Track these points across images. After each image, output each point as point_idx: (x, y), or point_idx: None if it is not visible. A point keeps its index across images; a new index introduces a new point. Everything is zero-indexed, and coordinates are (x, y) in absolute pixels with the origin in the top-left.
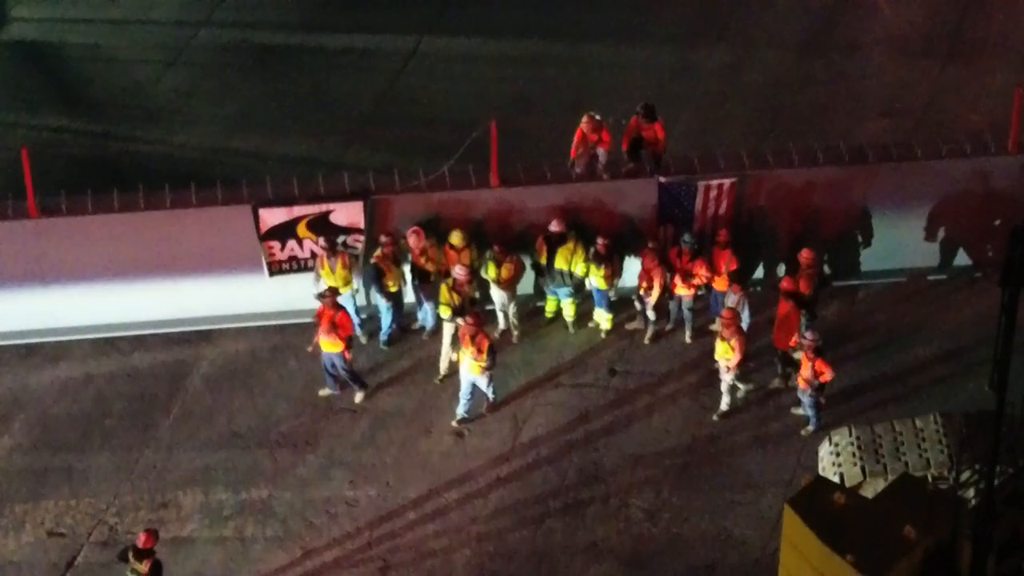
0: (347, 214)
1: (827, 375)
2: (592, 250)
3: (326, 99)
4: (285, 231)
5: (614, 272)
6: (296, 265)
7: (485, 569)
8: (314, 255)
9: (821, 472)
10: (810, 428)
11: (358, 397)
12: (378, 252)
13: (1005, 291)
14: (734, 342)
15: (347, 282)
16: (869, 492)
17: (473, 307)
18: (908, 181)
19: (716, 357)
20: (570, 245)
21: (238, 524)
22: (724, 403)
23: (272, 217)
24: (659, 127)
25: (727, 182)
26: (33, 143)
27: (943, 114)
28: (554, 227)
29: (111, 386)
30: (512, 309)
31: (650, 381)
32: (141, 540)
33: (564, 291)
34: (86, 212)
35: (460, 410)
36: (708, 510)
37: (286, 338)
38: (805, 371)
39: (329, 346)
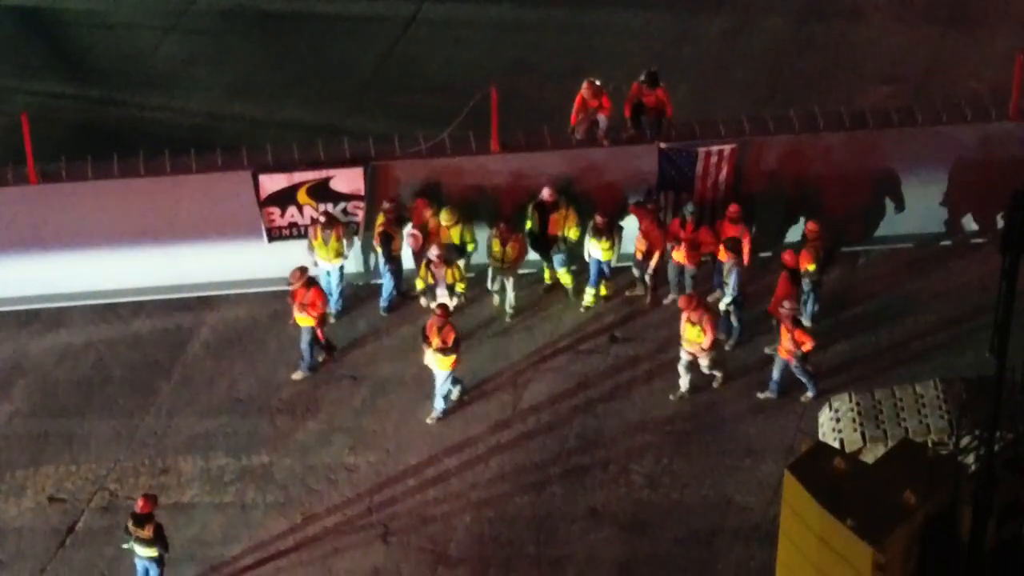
0: (347, 180)
1: (808, 344)
2: (591, 225)
3: (326, 65)
4: (285, 197)
5: (614, 244)
6: (296, 231)
7: (485, 534)
8: (314, 221)
9: (821, 438)
10: (809, 395)
11: (296, 375)
12: (382, 219)
13: (1005, 256)
14: (705, 323)
15: (338, 254)
16: (869, 458)
17: (454, 293)
18: (909, 147)
19: (685, 342)
20: (562, 211)
21: (239, 490)
22: (684, 384)
23: (272, 183)
24: (661, 92)
25: (727, 148)
26: (33, 109)
27: (944, 80)
28: (546, 195)
29: (111, 352)
30: (511, 289)
31: (651, 348)
32: (139, 505)
33: (558, 258)
34: (86, 178)
35: (437, 406)
36: (708, 476)
37: (286, 304)
38: (786, 342)
39: (303, 320)
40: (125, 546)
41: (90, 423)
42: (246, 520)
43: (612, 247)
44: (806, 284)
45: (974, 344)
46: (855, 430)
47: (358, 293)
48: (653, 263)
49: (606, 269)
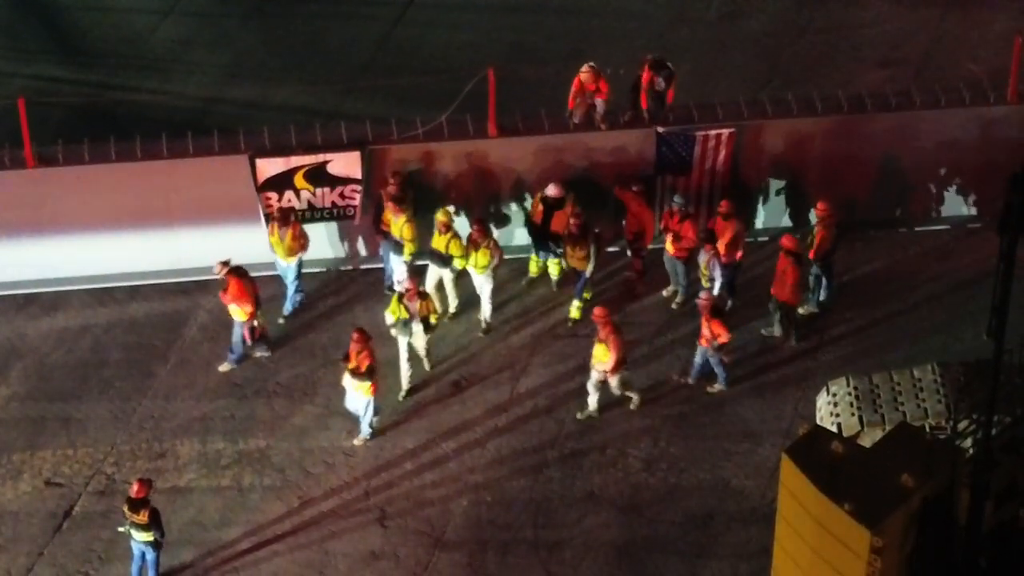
0: (344, 164)
1: (723, 337)
2: (566, 232)
3: (323, 48)
4: (282, 182)
5: (591, 253)
6: (293, 216)
7: (483, 518)
8: (312, 206)
9: (819, 422)
10: (718, 385)
11: (223, 366)
12: (384, 191)
13: (1003, 238)
14: (610, 343)
15: (292, 253)
16: (867, 442)
17: (429, 327)
18: (907, 130)
19: (595, 360)
20: (568, 209)
21: (235, 473)
22: (591, 403)
23: (269, 167)
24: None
25: (725, 132)
26: (30, 93)
27: (943, 63)
28: (552, 191)
29: (108, 336)
30: (486, 297)
31: (647, 331)
32: (134, 490)
33: (557, 253)
34: (83, 162)
35: (363, 430)
36: (706, 459)
37: (282, 288)
38: (704, 330)
39: (235, 312)
40: (121, 530)
41: (87, 407)
42: (243, 503)
43: (587, 256)
44: (815, 268)
45: (972, 327)
46: (853, 414)
47: (354, 277)
48: (648, 242)
49: (580, 288)
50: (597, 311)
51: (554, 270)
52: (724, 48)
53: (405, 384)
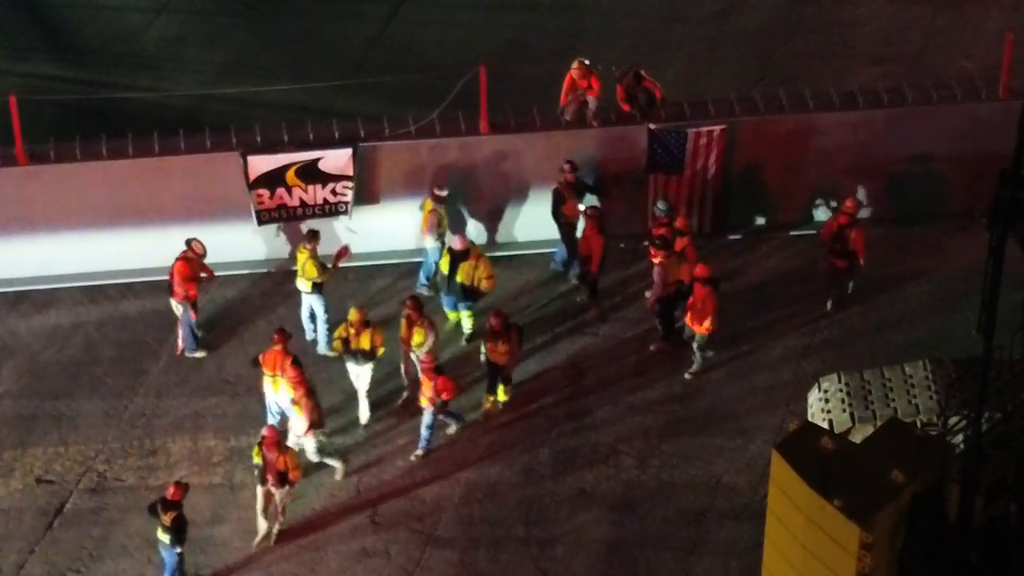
0: (336, 161)
1: (449, 392)
2: (487, 327)
3: (316, 45)
4: (274, 179)
5: (512, 350)
6: (284, 214)
7: (474, 515)
8: (304, 203)
9: (810, 418)
10: (418, 452)
11: (198, 353)
12: (561, 179)
13: (993, 234)
14: (303, 405)
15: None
16: (858, 438)
17: (285, 480)
18: (899, 127)
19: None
20: (472, 261)
21: (227, 471)
22: (309, 450)
23: (261, 165)
24: (648, 84)
25: (717, 129)
26: (21, 90)
27: (935, 60)
28: (456, 244)
29: (100, 333)
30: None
31: (640, 330)
32: (170, 492)
33: (464, 304)
34: (74, 159)
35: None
36: (697, 456)
37: (275, 285)
38: (427, 390)
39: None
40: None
41: (79, 404)
42: (235, 501)
43: (507, 353)
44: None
45: (962, 323)
46: (844, 410)
47: (346, 274)
48: (594, 267)
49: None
50: (291, 372)
51: (467, 323)
52: (717, 45)
53: (260, 532)
